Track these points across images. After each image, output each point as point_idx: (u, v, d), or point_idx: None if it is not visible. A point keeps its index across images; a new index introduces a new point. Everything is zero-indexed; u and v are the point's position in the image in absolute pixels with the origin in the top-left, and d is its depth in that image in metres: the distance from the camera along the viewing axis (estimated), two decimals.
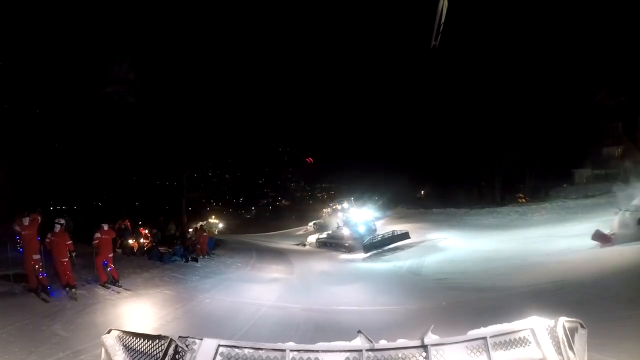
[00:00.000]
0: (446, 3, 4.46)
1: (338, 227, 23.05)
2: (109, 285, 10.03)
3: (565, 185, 27.19)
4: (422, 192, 38.89)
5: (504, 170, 29.74)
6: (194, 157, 25.29)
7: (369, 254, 18.21)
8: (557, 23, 26.26)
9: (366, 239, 19.49)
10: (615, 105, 26.58)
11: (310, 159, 64.60)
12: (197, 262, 15.00)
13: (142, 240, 16.63)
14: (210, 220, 19.84)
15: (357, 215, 23.30)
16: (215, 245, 19.78)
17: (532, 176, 29.12)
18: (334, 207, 29.04)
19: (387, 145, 42.39)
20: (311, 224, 31.75)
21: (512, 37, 27.06)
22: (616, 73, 25.01)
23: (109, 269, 10.40)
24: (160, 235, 18.54)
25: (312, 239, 24.83)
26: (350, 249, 20.32)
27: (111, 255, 10.58)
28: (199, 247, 16.79)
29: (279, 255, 20.09)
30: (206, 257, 16.42)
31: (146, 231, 17.75)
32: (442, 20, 4.58)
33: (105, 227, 10.65)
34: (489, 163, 29.71)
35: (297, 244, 25.55)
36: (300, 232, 32.30)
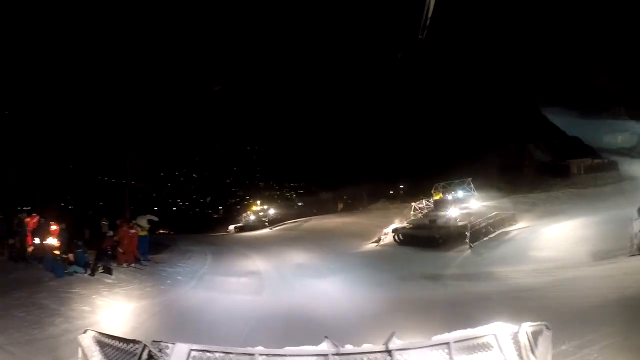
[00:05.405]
0: None
1: None
2: None
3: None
4: (401, 186, 38.00)
5: (501, 159, 29.33)
6: (139, 140, 21.86)
7: None
8: (557, 5, 26.01)
9: None
10: (618, 89, 26.24)
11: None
12: (111, 274, 10.52)
13: (51, 241, 11.63)
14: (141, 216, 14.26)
15: None
16: (158, 247, 15.20)
17: (531, 164, 28.71)
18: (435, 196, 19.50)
19: (361, 140, 41.92)
20: (388, 229, 18.87)
21: (511, 20, 26.82)
22: (619, 56, 24.79)
23: None
24: (88, 234, 14.06)
25: None
26: None
27: None
28: (121, 250, 11.95)
29: (243, 258, 15.69)
30: (133, 265, 11.90)
31: (55, 227, 12.73)
32: (429, 14, 4.61)
33: None
34: (482, 152, 29.40)
35: None
36: (369, 247, 18.45)
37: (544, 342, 2.64)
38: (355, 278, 11.52)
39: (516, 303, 7.76)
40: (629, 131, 25.38)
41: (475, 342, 2.29)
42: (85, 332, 2.06)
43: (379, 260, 15.25)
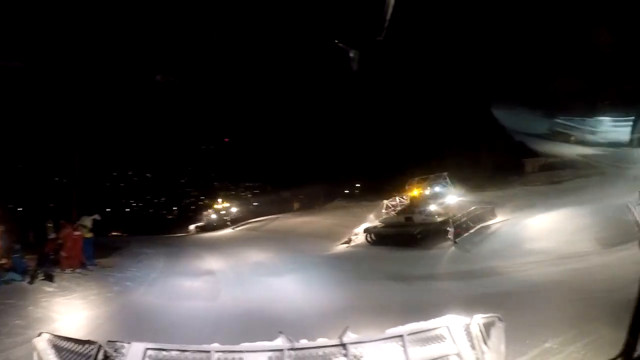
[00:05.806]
0: None
1: None
2: None
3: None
4: (358, 185, 38.73)
5: (456, 157, 29.88)
6: (88, 135, 21.40)
7: None
8: (507, 9, 27.05)
9: None
10: (573, 92, 27.52)
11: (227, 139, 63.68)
12: (53, 281, 9.67)
13: None
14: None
15: None
16: (108, 250, 14.19)
17: (486, 162, 29.36)
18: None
19: (315, 140, 42.21)
20: (359, 229, 18.78)
21: (468, 23, 27.70)
22: (573, 58, 25.96)
23: None
24: (33, 237, 13.07)
25: None
26: None
27: None
28: (64, 255, 10.87)
29: (199, 260, 14.77)
30: (79, 271, 10.91)
31: None
32: (389, 16, 4.77)
33: None
34: (438, 151, 29.63)
35: None
36: (340, 248, 17.88)
37: (497, 333, 2.77)
38: (333, 286, 9.83)
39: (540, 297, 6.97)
40: (581, 131, 26.70)
41: (428, 334, 2.40)
42: (39, 335, 2.06)
43: (352, 262, 13.90)
